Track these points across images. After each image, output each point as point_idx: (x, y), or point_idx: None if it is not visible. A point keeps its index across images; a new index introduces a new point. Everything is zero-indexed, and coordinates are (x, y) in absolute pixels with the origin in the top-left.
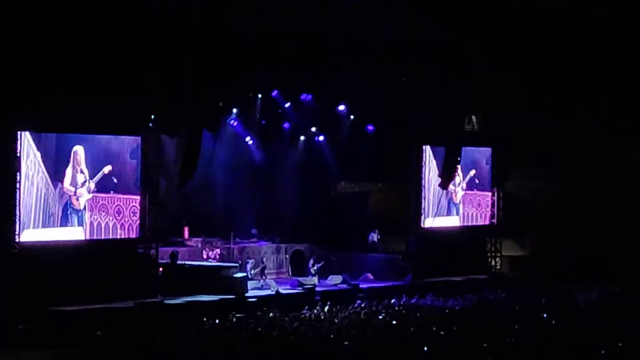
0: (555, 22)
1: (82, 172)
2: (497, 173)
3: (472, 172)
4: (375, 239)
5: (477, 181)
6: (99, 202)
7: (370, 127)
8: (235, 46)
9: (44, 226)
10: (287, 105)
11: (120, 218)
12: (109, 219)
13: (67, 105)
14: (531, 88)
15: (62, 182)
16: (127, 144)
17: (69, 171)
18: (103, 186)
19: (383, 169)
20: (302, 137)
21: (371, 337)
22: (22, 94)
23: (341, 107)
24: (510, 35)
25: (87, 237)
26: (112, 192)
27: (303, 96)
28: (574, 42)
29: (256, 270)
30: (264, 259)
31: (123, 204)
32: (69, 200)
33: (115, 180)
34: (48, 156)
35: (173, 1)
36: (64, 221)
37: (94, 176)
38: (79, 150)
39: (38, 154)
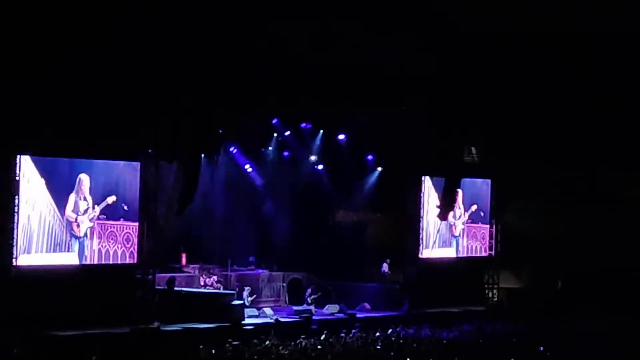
0: (556, 52)
1: (85, 199)
2: (496, 204)
3: (474, 207)
4: (385, 270)
5: (482, 214)
6: (107, 229)
7: (369, 157)
8: (236, 73)
9: (48, 252)
10: (287, 133)
11: (129, 246)
12: (118, 247)
13: (66, 129)
14: (532, 120)
15: (64, 209)
16: (138, 171)
17: (72, 197)
18: (112, 213)
19: (382, 199)
20: (301, 166)
21: None
22: (20, 118)
23: (341, 137)
24: (512, 66)
25: (95, 263)
26: (121, 219)
27: (303, 125)
28: (575, 74)
29: (252, 297)
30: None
31: (132, 231)
32: (70, 227)
33: (125, 208)
34: (54, 183)
35: (174, 27)
36: (66, 247)
37: (98, 204)
38: (84, 179)
39: (42, 181)
